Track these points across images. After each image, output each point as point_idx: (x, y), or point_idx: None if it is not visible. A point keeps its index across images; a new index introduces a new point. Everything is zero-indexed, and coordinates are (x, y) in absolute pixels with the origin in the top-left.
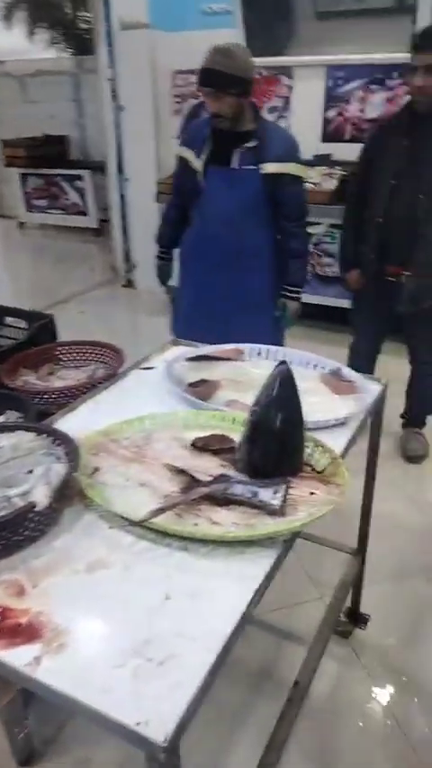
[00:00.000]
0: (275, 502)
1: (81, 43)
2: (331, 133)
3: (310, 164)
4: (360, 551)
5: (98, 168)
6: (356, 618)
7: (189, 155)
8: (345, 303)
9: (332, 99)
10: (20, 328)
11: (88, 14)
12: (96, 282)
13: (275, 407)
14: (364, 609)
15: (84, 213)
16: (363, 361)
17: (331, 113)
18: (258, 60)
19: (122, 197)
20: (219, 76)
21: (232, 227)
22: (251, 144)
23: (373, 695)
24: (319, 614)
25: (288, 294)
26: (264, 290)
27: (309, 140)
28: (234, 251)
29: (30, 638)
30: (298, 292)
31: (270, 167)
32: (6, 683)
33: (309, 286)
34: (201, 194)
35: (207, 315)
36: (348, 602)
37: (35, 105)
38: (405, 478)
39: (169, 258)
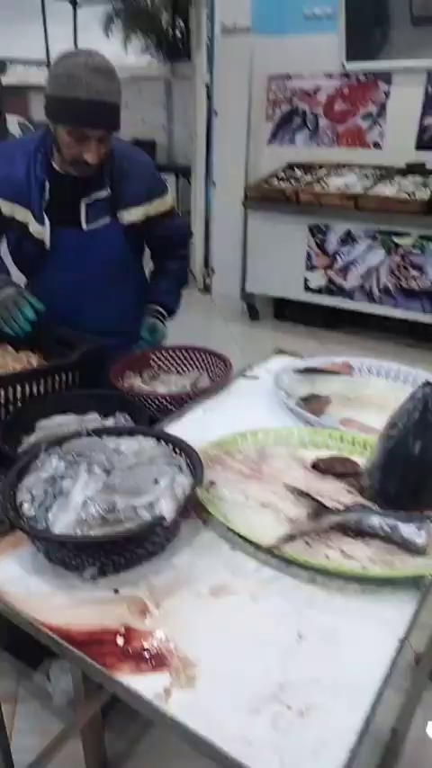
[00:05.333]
0: (420, 540)
1: (174, 51)
2: (427, 141)
3: (401, 172)
4: None
5: (182, 173)
6: None
7: (21, 214)
8: (430, 318)
9: (431, 106)
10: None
11: (183, 22)
12: None
13: (415, 433)
14: None
15: None
16: None
17: (429, 120)
18: (358, 64)
19: (207, 202)
20: (111, 111)
21: (99, 296)
22: (103, 196)
23: None
24: (405, 652)
25: (158, 316)
26: None
27: (403, 147)
28: (109, 320)
29: (157, 666)
30: (166, 318)
31: (132, 215)
32: (91, 699)
33: (392, 299)
34: (44, 263)
35: None
36: None
37: (127, 109)
38: None
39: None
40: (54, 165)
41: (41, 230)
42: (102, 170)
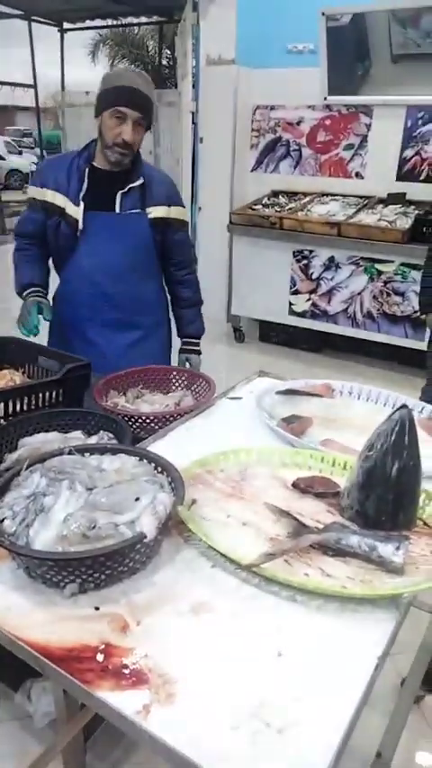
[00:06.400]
0: (397, 559)
1: (160, 78)
2: (407, 172)
3: (382, 201)
4: None
5: None
6: (430, 683)
7: (61, 200)
8: (413, 343)
9: (411, 139)
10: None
11: (169, 51)
12: None
13: (393, 454)
14: None
15: None
16: None
17: (409, 152)
18: (340, 98)
19: (193, 226)
20: (149, 104)
21: (124, 282)
22: (137, 183)
23: None
24: (390, 675)
25: (189, 348)
26: (165, 347)
27: (384, 178)
28: (130, 308)
29: (137, 683)
30: (198, 344)
31: (157, 212)
32: (73, 720)
33: (375, 324)
34: (77, 246)
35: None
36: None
37: None
38: None
39: (44, 295)
40: (95, 164)
41: (77, 210)
42: (134, 168)
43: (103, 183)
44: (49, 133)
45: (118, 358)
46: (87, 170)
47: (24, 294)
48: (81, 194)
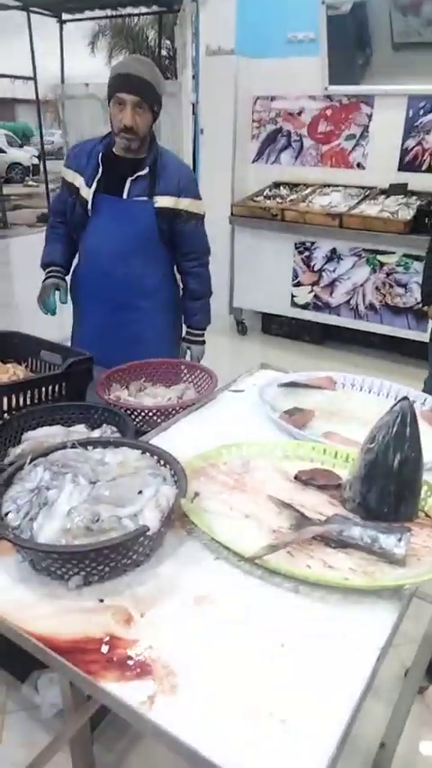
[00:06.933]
0: (399, 551)
1: (161, 69)
2: (409, 162)
3: (384, 192)
4: None
5: None
6: None
7: (79, 182)
8: (415, 335)
9: (412, 129)
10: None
11: (168, 42)
12: None
13: (395, 446)
14: None
15: None
16: None
17: (410, 142)
18: (341, 88)
19: None
20: (146, 86)
21: (125, 265)
22: (144, 172)
23: None
24: (393, 666)
25: (190, 338)
26: (162, 334)
27: (385, 169)
28: (128, 290)
29: (141, 674)
30: (201, 335)
31: (164, 201)
32: (80, 710)
33: (377, 315)
34: (87, 225)
35: (104, 359)
36: None
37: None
38: None
39: (63, 276)
40: (114, 151)
41: (88, 192)
42: (146, 159)
43: (116, 169)
44: (14, 125)
45: (112, 339)
46: (102, 155)
47: (46, 272)
48: (96, 178)
